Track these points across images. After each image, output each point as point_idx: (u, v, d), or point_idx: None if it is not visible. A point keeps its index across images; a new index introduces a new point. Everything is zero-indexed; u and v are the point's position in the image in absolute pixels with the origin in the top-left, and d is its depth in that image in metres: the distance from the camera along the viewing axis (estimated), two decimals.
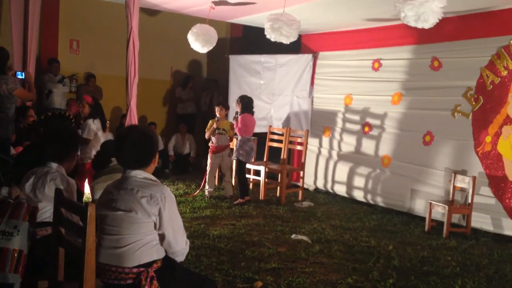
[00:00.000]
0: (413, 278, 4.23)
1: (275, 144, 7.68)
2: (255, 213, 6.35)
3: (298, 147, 7.60)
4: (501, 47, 5.61)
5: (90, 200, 4.54)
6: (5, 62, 5.03)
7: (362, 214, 6.54)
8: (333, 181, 7.67)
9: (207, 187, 7.12)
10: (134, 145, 2.55)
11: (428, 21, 4.00)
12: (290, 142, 7.54)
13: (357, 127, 7.36)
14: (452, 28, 6.03)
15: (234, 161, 7.10)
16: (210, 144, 7.18)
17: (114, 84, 8.21)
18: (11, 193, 3.05)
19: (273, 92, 8.28)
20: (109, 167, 3.97)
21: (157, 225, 2.48)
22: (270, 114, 8.32)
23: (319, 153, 7.95)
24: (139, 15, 4.93)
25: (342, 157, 7.58)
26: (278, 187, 7.35)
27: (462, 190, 5.85)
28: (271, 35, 5.51)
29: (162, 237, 2.50)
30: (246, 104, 6.85)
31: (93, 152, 5.69)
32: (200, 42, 6.36)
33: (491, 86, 5.73)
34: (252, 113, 6.88)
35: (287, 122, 8.10)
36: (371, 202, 7.06)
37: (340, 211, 6.71)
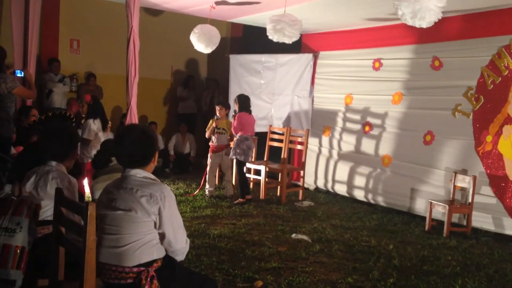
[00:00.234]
0: (414, 277, 4.23)
1: (275, 144, 7.68)
2: (255, 212, 6.35)
3: (299, 147, 7.61)
4: (501, 47, 5.61)
5: (90, 199, 4.54)
6: (3, 60, 5.01)
7: (363, 214, 6.54)
8: (334, 181, 7.67)
9: (207, 186, 7.12)
10: (134, 144, 2.55)
11: (425, 19, 3.99)
12: (291, 142, 7.54)
13: (357, 127, 7.35)
14: (453, 27, 6.03)
15: (234, 161, 7.11)
16: (210, 143, 7.20)
17: (115, 83, 8.21)
18: (14, 191, 3.07)
19: (273, 91, 8.28)
20: (109, 167, 3.96)
21: (157, 224, 2.47)
22: (270, 114, 8.32)
23: (320, 152, 7.95)
24: (140, 14, 4.93)
25: (342, 156, 7.58)
26: (279, 187, 7.35)
27: (463, 189, 5.85)
28: (273, 36, 5.53)
29: (162, 236, 2.50)
30: (243, 103, 6.86)
31: (94, 152, 5.69)
32: (203, 43, 6.39)
33: (492, 86, 5.73)
34: (249, 111, 6.88)
35: (287, 122, 8.10)
36: (372, 201, 7.06)
37: (340, 211, 6.72)
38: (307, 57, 7.98)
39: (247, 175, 7.28)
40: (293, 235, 5.32)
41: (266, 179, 7.17)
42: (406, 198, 6.53)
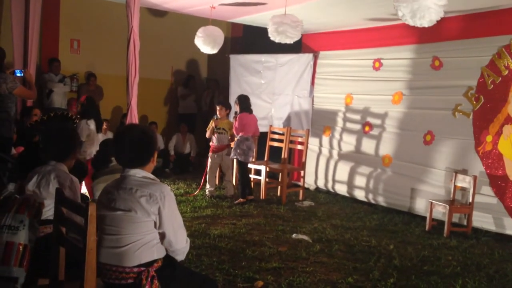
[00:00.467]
0: (414, 277, 4.23)
1: (275, 144, 7.68)
2: (255, 212, 6.35)
3: (299, 147, 7.61)
4: (501, 47, 5.61)
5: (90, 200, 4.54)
6: (2, 60, 5.00)
7: (363, 214, 6.54)
8: (334, 181, 7.67)
9: (208, 186, 7.12)
10: (133, 144, 2.55)
11: (425, 17, 3.99)
12: (291, 142, 7.54)
13: (357, 127, 7.35)
14: (453, 27, 6.03)
15: (234, 161, 7.11)
16: (210, 143, 7.20)
17: (115, 83, 8.22)
18: (18, 189, 3.08)
19: (273, 91, 8.28)
20: (110, 167, 3.97)
21: (157, 224, 2.47)
22: (270, 114, 8.32)
23: (320, 152, 7.95)
24: (140, 14, 4.93)
25: (342, 156, 7.58)
26: (279, 187, 7.35)
27: (463, 189, 5.85)
28: (276, 38, 5.55)
29: (162, 236, 2.50)
30: (242, 103, 6.88)
31: (88, 153, 5.71)
32: (209, 45, 6.47)
33: (492, 86, 5.73)
34: (250, 111, 6.89)
35: (287, 122, 8.10)
36: (372, 201, 7.06)
37: (340, 211, 6.71)
38: (307, 57, 7.98)
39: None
40: (294, 235, 5.32)
41: (267, 179, 7.17)
42: (407, 198, 6.53)
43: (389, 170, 6.84)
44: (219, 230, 5.39)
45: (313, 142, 7.92)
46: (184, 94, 9.69)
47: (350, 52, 7.52)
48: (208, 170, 7.14)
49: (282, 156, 7.50)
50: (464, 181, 5.71)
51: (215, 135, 7.07)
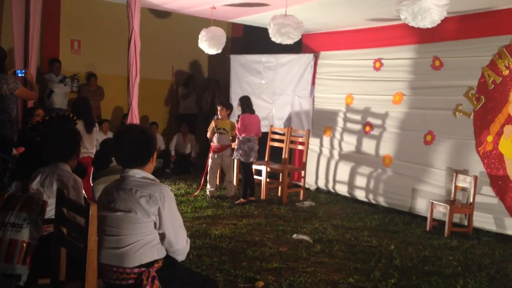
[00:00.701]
0: (415, 278, 4.23)
1: (276, 144, 7.68)
2: (256, 212, 6.35)
3: (300, 147, 7.61)
4: (502, 47, 5.61)
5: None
6: (3, 61, 5.00)
7: (364, 214, 6.54)
8: (335, 181, 7.67)
9: (208, 186, 7.12)
10: (132, 144, 2.54)
11: (426, 19, 4.00)
12: (292, 142, 7.54)
13: (358, 127, 7.35)
14: (453, 27, 6.02)
15: (236, 162, 7.10)
16: (211, 143, 7.20)
17: (116, 84, 8.22)
18: (22, 187, 3.09)
19: (274, 91, 8.28)
20: (110, 168, 3.96)
21: (157, 224, 2.47)
22: (271, 114, 8.32)
23: (321, 152, 7.95)
24: (141, 15, 4.94)
25: (343, 156, 7.57)
26: (280, 187, 7.35)
27: (464, 189, 5.85)
28: (277, 39, 5.56)
29: (162, 237, 2.50)
30: (244, 103, 6.89)
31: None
32: (214, 47, 6.55)
33: (493, 86, 5.73)
34: (252, 111, 6.89)
35: (288, 122, 8.10)
36: (373, 201, 7.05)
37: (341, 211, 6.71)
38: (308, 57, 7.98)
39: None
40: (294, 236, 5.32)
41: (267, 180, 7.17)
42: (407, 198, 6.53)
43: (390, 170, 6.84)
44: (219, 230, 5.39)
45: (313, 142, 7.92)
46: (185, 94, 9.70)
47: (351, 52, 7.52)
48: (208, 170, 7.15)
49: (283, 156, 7.51)
50: (464, 181, 5.71)
51: (216, 135, 7.07)
